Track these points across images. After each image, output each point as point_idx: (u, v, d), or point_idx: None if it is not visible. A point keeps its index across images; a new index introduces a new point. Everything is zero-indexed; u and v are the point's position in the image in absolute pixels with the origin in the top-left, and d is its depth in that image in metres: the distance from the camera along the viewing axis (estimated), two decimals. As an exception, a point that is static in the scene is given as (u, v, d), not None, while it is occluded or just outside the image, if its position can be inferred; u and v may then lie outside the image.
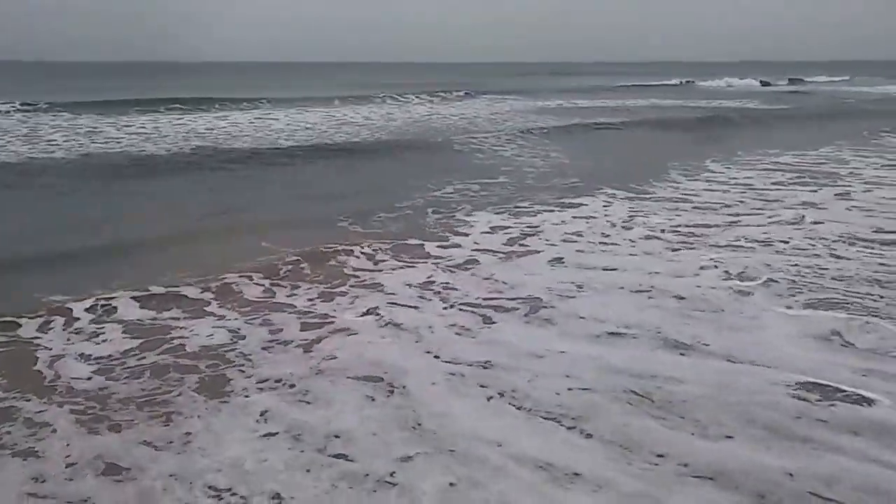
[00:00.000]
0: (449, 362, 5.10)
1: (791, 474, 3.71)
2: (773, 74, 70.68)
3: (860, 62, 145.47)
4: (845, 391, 4.56)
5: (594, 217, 9.71)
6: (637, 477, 3.75)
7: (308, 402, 4.58)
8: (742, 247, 8.00)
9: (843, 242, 8.05)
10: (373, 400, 4.57)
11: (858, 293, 6.28)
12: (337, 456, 3.95)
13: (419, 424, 4.27)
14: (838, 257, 7.46)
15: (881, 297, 6.17)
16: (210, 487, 3.67)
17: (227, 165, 14.59)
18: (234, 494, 3.62)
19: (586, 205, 10.52)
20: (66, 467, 3.89)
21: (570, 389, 4.66)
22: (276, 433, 4.20)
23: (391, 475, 3.76)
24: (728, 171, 13.65)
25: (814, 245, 7.97)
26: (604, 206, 10.47)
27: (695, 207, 10.29)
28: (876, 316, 5.73)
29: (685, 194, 11.28)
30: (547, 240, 8.54)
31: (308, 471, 3.82)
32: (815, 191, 11.45)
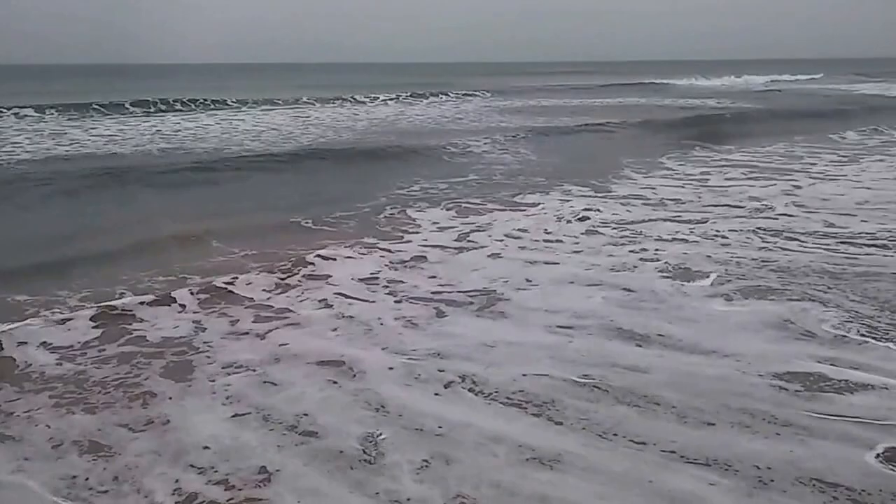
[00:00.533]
0: (401, 353, 5.33)
1: (790, 461, 3.81)
2: (756, 72, 71.73)
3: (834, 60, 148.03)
4: (820, 379, 4.72)
5: (548, 213, 10.03)
6: (623, 460, 3.88)
7: (273, 385, 4.84)
8: (688, 241, 8.35)
9: (790, 235, 8.45)
10: (334, 383, 4.83)
11: (808, 284, 6.57)
12: (308, 434, 4.21)
13: (382, 406, 4.51)
14: (785, 249, 7.82)
15: (829, 287, 6.45)
16: (192, 466, 3.91)
17: (190, 169, 14.50)
18: (216, 471, 3.86)
19: (543, 203, 10.82)
20: (52, 448, 4.10)
21: (524, 375, 4.85)
22: (247, 413, 4.45)
23: (364, 452, 4.01)
24: (683, 168, 14.11)
25: (753, 239, 8.36)
26: (560, 202, 10.81)
27: (646, 203, 10.67)
28: (826, 305, 6.00)
29: (641, 190, 11.67)
30: (502, 235, 8.84)
31: (280, 446, 4.07)
32: (767, 186, 11.92)
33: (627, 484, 3.70)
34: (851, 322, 5.63)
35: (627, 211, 10.16)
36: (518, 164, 15.16)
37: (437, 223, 9.64)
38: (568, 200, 10.93)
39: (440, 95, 38.49)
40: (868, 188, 11.53)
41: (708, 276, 6.92)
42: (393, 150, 17.12)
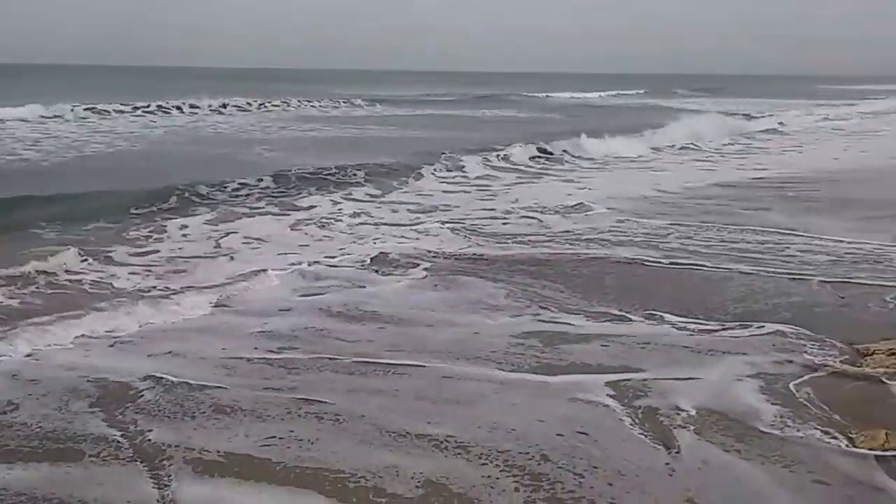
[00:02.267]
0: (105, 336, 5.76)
1: (563, 388, 4.79)
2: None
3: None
4: (545, 336, 5.66)
5: (310, 216, 10.57)
6: (391, 384, 4.87)
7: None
8: (421, 238, 9.21)
9: (506, 233, 9.50)
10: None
11: (508, 270, 7.60)
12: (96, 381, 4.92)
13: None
14: (499, 243, 8.84)
15: (528, 271, 7.51)
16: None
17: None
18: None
19: (318, 206, 11.29)
20: None
21: (237, 349, 5.44)
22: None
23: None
24: (470, 176, 14.95)
25: (473, 235, 9.33)
26: (332, 204, 11.45)
27: (414, 206, 11.50)
28: (518, 287, 7.01)
29: (417, 196, 12.39)
30: (248, 238, 9.21)
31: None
32: (529, 189, 13.35)
33: (398, 397, 4.66)
34: (533, 298, 6.68)
35: (393, 213, 11.01)
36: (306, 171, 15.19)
37: (189, 228, 9.69)
38: (339, 203, 11.52)
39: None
40: (591, 189, 13.13)
41: (418, 265, 7.77)
42: (181, 157, 16.80)
